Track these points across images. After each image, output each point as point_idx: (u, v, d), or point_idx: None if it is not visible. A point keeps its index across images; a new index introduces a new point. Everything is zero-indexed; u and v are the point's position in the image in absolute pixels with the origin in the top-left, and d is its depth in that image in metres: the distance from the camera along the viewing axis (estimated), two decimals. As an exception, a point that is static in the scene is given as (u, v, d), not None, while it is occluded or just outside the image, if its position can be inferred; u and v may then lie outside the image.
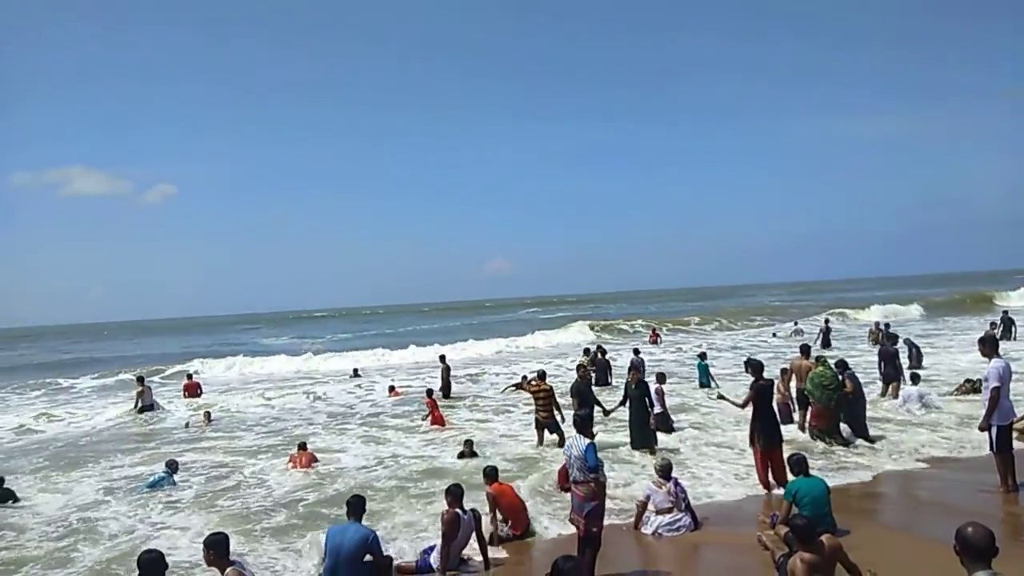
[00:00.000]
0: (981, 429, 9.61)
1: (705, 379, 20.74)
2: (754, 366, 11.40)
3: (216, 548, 6.33)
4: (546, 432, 14.06)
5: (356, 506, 7.85)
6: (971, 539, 3.95)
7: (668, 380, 16.98)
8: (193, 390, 25.07)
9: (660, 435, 14.00)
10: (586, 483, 7.14)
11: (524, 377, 15.70)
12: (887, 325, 29.27)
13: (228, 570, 6.21)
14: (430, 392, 19.23)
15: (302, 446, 14.17)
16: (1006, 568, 3.93)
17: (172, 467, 13.18)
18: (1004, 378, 9.31)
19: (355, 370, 31.13)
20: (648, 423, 13.44)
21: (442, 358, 24.06)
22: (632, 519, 9.20)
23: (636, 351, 23.74)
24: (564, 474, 8.78)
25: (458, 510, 8.02)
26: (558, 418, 13.98)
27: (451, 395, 21.89)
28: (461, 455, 13.39)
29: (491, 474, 9.40)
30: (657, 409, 14.50)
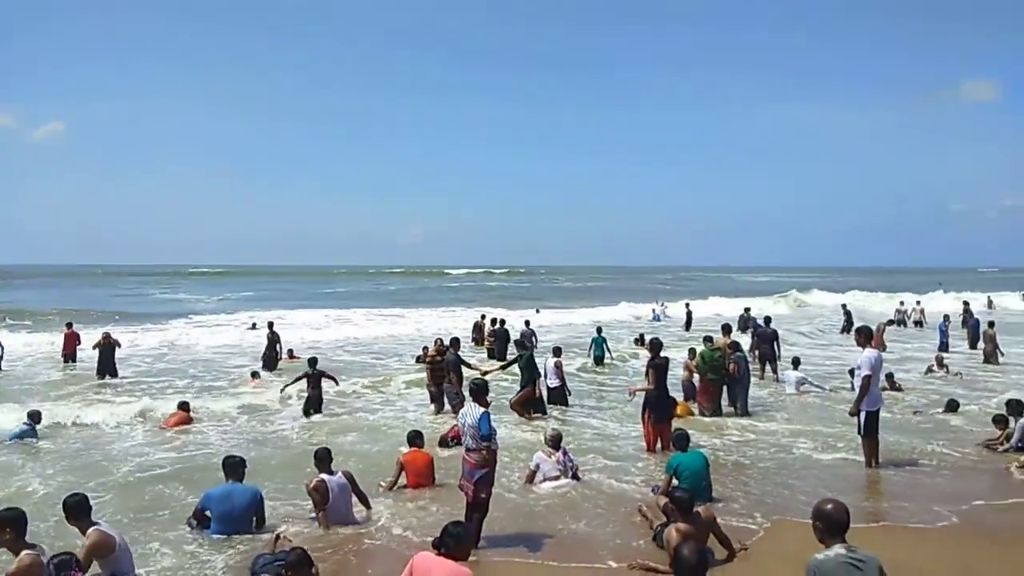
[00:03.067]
0: (851, 414, 10.28)
1: (600, 352, 21.34)
2: (653, 344, 11.80)
3: (12, 525, 5.40)
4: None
5: (236, 466, 7.71)
6: (831, 515, 4.22)
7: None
8: (71, 342, 22.07)
9: (557, 407, 14.46)
10: (478, 451, 7.20)
11: (425, 348, 15.72)
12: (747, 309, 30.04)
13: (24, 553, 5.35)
14: (255, 374, 18.28)
15: (182, 405, 13.77)
16: (851, 538, 4.23)
17: (35, 418, 12.60)
18: (875, 367, 9.98)
19: (254, 324, 30.48)
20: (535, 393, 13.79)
21: (269, 325, 22.38)
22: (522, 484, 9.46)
23: (527, 322, 24.21)
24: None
25: (324, 476, 7.97)
26: (453, 388, 14.02)
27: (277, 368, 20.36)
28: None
29: (411, 438, 9.65)
30: (555, 382, 14.87)
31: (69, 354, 21.66)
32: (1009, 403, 11.82)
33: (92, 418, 13.84)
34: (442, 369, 14.22)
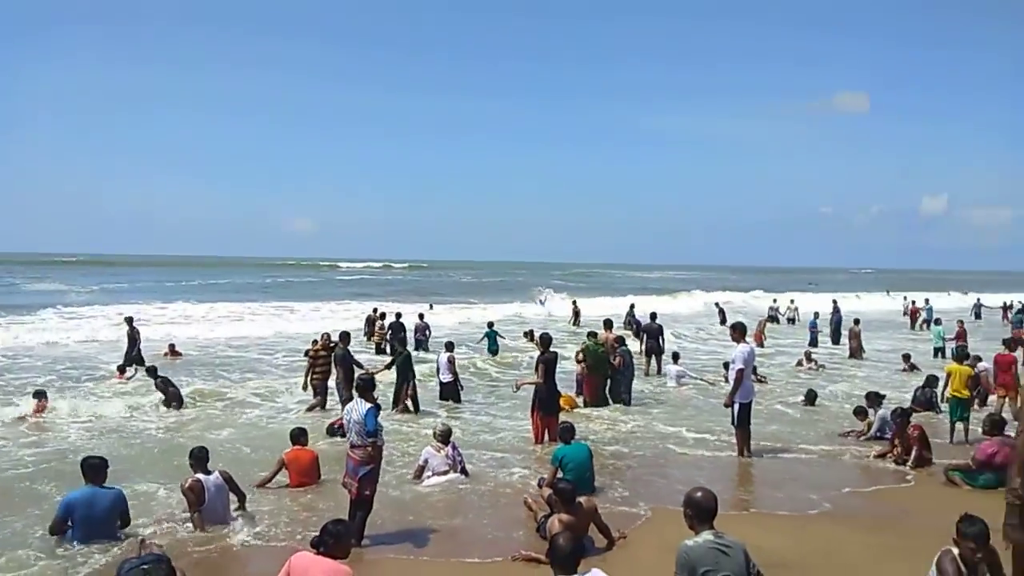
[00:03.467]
0: (726, 406, 10.81)
1: (494, 346, 21.57)
2: (543, 339, 12.00)
3: None
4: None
5: (98, 469, 7.34)
6: (700, 502, 4.42)
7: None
8: None
9: (448, 402, 14.54)
10: (363, 447, 7.10)
11: (314, 342, 15.37)
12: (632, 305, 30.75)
13: None
14: (121, 368, 17.44)
15: (39, 394, 13.26)
16: (722, 525, 4.45)
17: None
18: (748, 361, 10.54)
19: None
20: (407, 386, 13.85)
21: (128, 320, 20.14)
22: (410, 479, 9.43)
23: (420, 316, 24.17)
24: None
25: (200, 475, 7.68)
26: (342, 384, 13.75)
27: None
28: None
29: (294, 436, 9.41)
30: (447, 377, 14.88)
31: None
32: (868, 395, 12.77)
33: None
34: (328, 363, 13.97)
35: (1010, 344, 14.21)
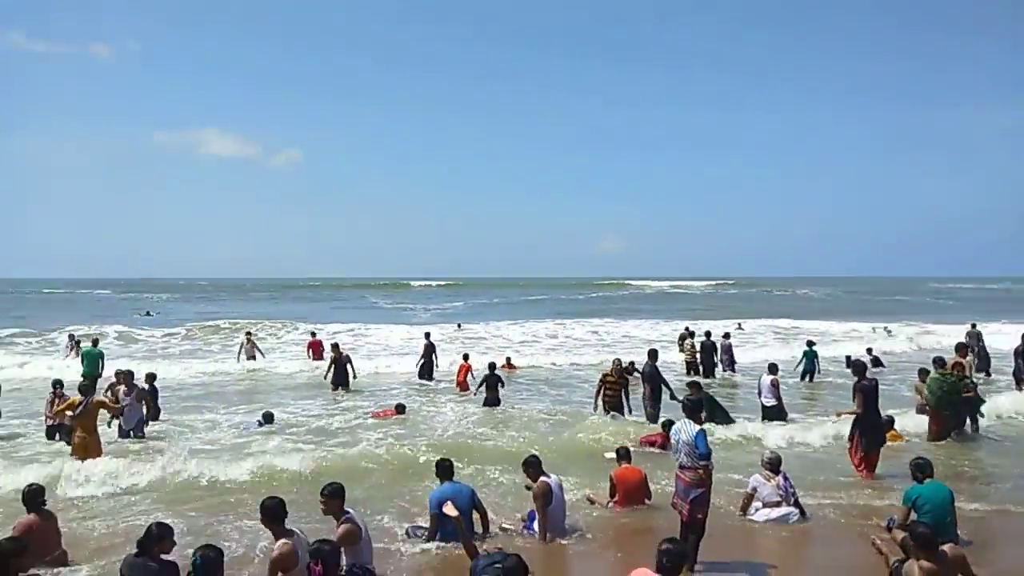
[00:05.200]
0: None
1: (810, 366, 20.43)
2: (857, 366, 11.08)
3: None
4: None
5: (447, 468, 8.10)
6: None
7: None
8: (317, 348, 24.86)
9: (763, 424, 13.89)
10: (693, 469, 7.04)
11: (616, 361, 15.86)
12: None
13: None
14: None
15: (399, 408, 15.14)
16: None
17: (268, 418, 14.46)
18: None
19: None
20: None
21: (335, 347, 21.05)
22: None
23: (726, 335, 23.21)
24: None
25: (545, 478, 8.08)
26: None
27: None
28: None
29: (621, 455, 9.50)
30: (770, 400, 14.41)
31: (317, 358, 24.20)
32: None
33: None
34: (617, 388, 14.49)
35: None
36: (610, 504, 9.18)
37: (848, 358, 21.51)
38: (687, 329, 26.16)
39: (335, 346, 20.98)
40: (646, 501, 9.24)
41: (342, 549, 6.16)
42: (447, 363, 22.07)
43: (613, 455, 9.81)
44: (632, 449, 10.18)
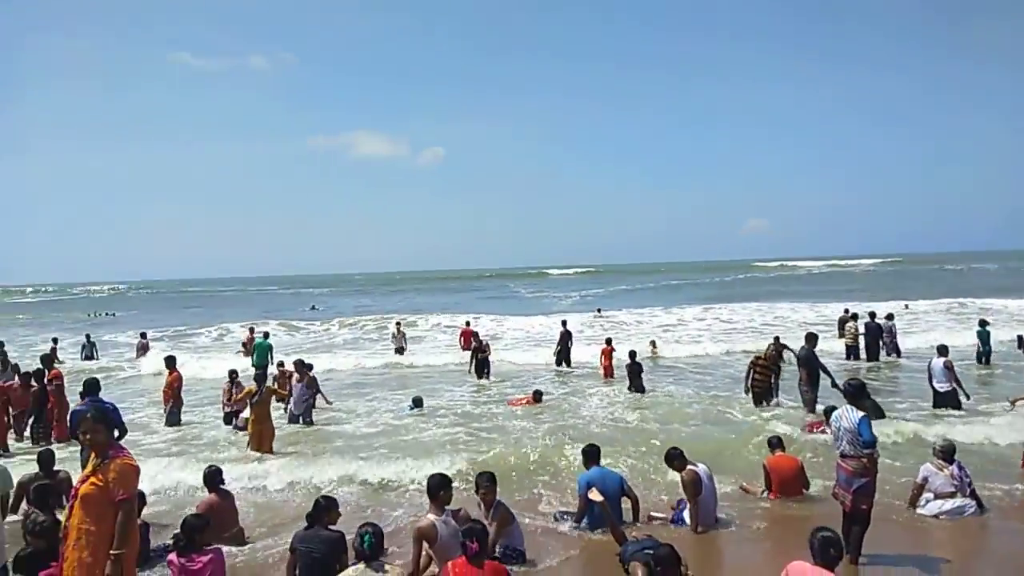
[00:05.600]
0: None
1: (986, 347, 18.82)
2: None
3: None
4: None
5: (594, 453, 8.07)
6: None
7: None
8: (468, 337, 24.77)
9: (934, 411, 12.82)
10: (856, 458, 6.65)
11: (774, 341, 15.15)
12: None
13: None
14: None
15: (536, 395, 15.39)
16: None
17: (417, 403, 15.10)
18: None
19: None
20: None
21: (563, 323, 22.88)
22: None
23: (889, 315, 21.53)
24: None
25: (693, 467, 7.89)
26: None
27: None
28: None
29: (775, 443, 9.17)
30: (943, 386, 13.43)
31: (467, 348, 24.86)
32: None
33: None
34: (766, 372, 14.05)
35: None
36: (765, 494, 8.84)
37: (1020, 338, 19.55)
38: (847, 311, 24.58)
39: (475, 335, 21.76)
40: (803, 491, 8.81)
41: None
42: (584, 350, 22.28)
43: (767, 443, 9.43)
44: (797, 436, 9.75)
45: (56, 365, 15.60)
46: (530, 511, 8.51)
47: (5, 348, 19.16)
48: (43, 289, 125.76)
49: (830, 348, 20.26)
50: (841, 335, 22.30)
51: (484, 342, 20.71)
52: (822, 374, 13.29)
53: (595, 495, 7.47)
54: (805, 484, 8.84)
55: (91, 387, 10.13)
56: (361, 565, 5.51)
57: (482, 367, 19.60)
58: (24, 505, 8.09)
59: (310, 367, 15.34)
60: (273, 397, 12.60)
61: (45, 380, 13.41)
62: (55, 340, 26.32)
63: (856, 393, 6.87)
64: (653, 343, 23.59)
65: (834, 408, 7.87)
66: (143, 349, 26.08)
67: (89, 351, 26.92)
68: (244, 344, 26.09)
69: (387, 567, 5.62)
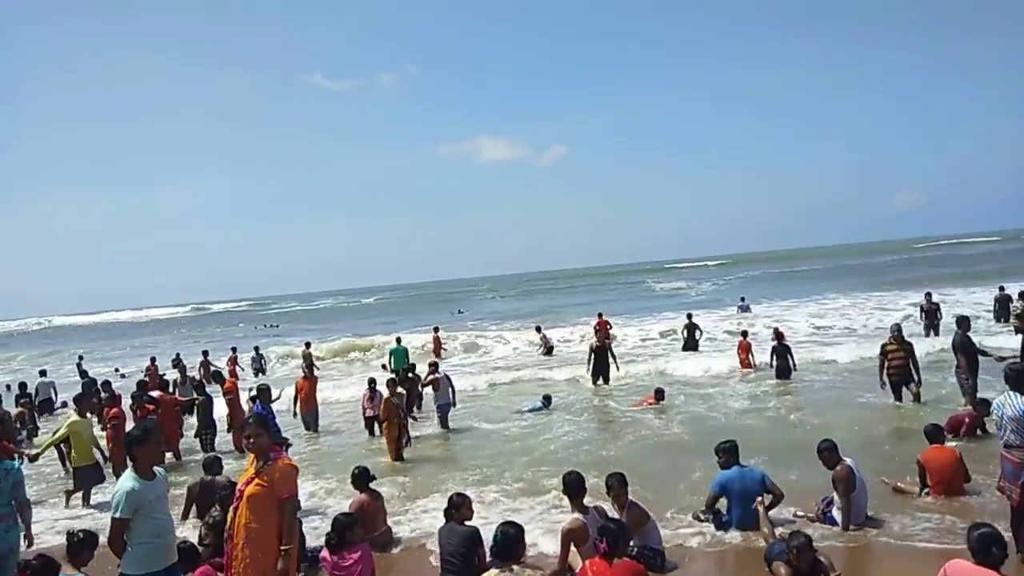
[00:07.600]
0: None
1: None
2: None
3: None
4: None
5: (731, 450, 7.86)
6: None
7: None
8: (605, 328, 22.82)
9: None
10: (1022, 448, 6.09)
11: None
12: None
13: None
14: None
15: (658, 393, 15.08)
16: None
17: (547, 400, 15.62)
18: None
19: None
20: None
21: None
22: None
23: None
24: None
25: (845, 461, 7.53)
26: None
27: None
28: None
29: (931, 434, 8.54)
30: None
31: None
32: None
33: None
34: (901, 359, 12.91)
35: None
36: (925, 493, 8.20)
37: None
38: (1001, 288, 22.50)
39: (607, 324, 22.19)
40: (964, 485, 8.18)
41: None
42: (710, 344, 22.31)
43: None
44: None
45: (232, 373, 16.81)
46: (671, 508, 8.41)
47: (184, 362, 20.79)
48: (203, 308, 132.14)
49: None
50: (1000, 318, 20.38)
51: (604, 343, 18.82)
52: (980, 359, 12.27)
53: (720, 503, 7.59)
54: (966, 477, 8.21)
55: (262, 393, 11.29)
56: (495, 571, 5.71)
57: (601, 367, 18.01)
58: (194, 509, 8.91)
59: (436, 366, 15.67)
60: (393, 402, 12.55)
61: (222, 392, 14.77)
62: (234, 350, 27.01)
63: (1018, 378, 6.31)
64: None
65: (989, 401, 7.25)
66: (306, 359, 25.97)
67: (258, 364, 27.50)
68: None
69: (527, 572, 5.77)
